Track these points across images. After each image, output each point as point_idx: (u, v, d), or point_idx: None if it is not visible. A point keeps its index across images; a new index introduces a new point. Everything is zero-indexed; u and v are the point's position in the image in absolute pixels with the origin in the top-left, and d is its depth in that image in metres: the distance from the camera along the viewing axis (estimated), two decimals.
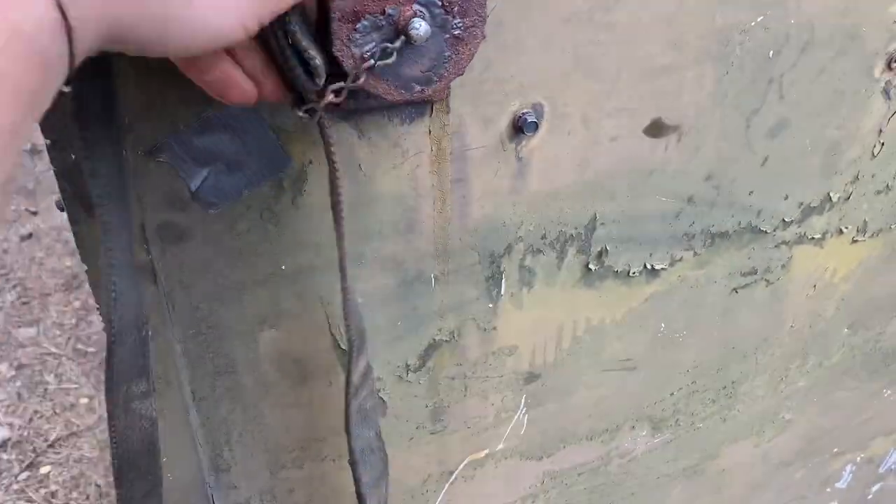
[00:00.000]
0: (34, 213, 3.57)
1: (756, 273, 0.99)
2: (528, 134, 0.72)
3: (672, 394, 1.07)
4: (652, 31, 0.72)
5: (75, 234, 0.61)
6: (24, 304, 3.16)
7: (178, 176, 0.62)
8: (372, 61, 0.54)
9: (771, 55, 0.79)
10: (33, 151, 3.77)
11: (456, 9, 0.54)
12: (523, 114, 0.71)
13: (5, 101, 0.35)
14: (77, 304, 3.17)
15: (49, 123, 0.56)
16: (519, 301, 0.85)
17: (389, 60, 0.53)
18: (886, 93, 0.89)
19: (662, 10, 0.71)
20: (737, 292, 1.00)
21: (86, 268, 0.63)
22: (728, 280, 0.98)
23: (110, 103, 0.56)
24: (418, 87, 0.57)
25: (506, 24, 0.66)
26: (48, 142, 0.56)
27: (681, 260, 0.92)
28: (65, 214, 0.62)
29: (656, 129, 0.79)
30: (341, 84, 0.53)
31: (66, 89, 0.53)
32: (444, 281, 0.79)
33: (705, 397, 1.11)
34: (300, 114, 0.56)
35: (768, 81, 0.81)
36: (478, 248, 0.79)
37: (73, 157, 0.58)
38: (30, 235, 3.48)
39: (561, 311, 0.89)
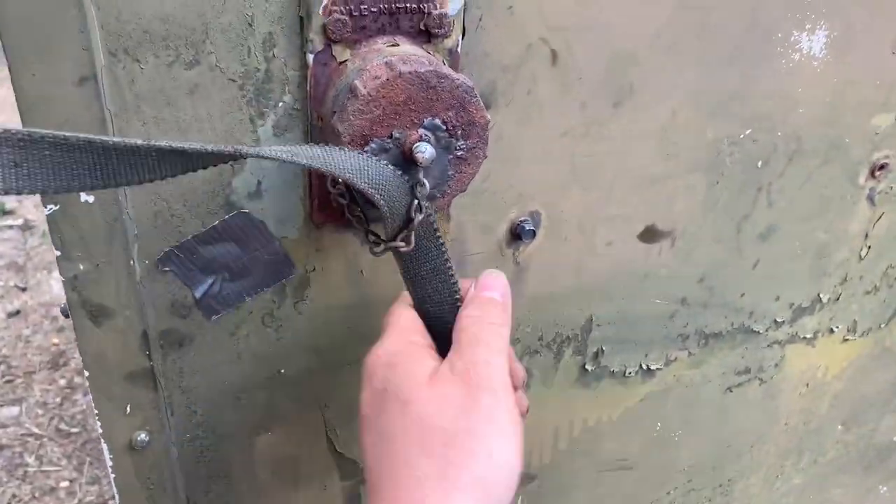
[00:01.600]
0: (23, 290, 3.55)
1: (749, 372, 1.00)
2: (526, 241, 0.73)
3: (668, 493, 1.06)
4: (645, 143, 0.74)
5: (79, 343, 0.62)
6: (7, 382, 3.11)
7: (182, 284, 0.63)
8: None
9: (760, 165, 0.82)
10: (25, 227, 3.78)
11: (460, 132, 0.56)
12: (521, 222, 0.73)
13: None
14: (62, 382, 3.12)
15: (58, 236, 0.57)
16: None
17: (422, 194, 0.55)
18: (871, 199, 0.92)
19: (656, 123, 0.74)
20: (731, 391, 1.00)
21: (87, 373, 0.64)
22: (722, 379, 0.98)
23: (120, 215, 0.58)
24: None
25: (505, 137, 0.68)
26: (58, 253, 0.57)
27: (675, 360, 0.93)
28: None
29: (650, 234, 0.81)
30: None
31: (90, 199, 0.54)
32: None
33: (701, 496, 1.10)
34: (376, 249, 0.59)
35: (757, 189, 0.84)
36: None
37: (81, 267, 0.59)
38: (17, 312, 3.45)
39: (557, 411, 0.89)
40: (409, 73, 0.53)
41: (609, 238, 0.79)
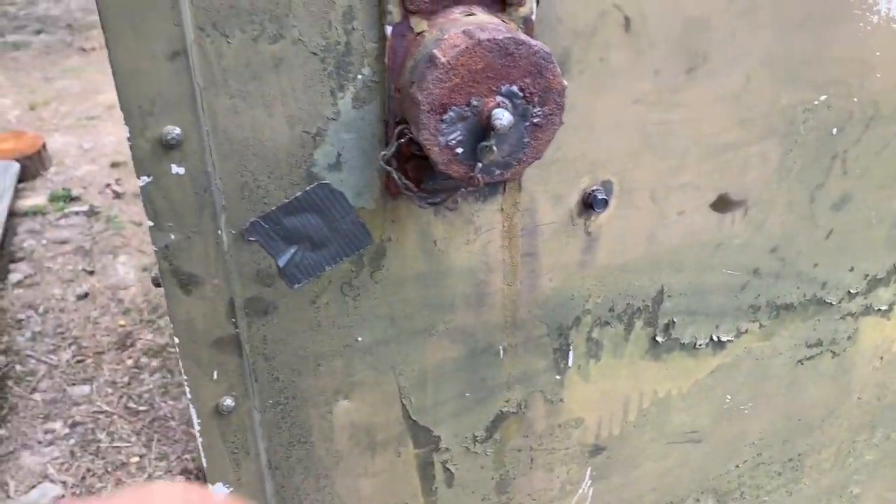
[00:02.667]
0: (90, 273, 3.68)
1: (822, 345, 0.98)
2: (598, 210, 0.74)
3: (737, 466, 1.05)
4: (718, 109, 0.74)
5: (170, 310, 0.64)
6: (78, 362, 3.23)
7: (266, 254, 0.65)
8: (459, 149, 0.57)
9: (835, 132, 0.80)
10: (90, 213, 3.90)
11: (536, 99, 0.57)
12: (593, 191, 0.73)
13: None
14: (130, 362, 3.23)
15: (151, 207, 0.59)
16: (586, 373, 0.85)
17: (490, 157, 0.56)
18: None
19: (729, 89, 0.73)
20: (802, 364, 0.99)
21: (177, 340, 0.66)
22: (793, 352, 0.97)
23: (209, 186, 0.60)
24: (498, 171, 0.60)
25: (578, 107, 0.68)
26: (151, 223, 0.60)
27: (746, 332, 0.92)
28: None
29: (723, 203, 0.80)
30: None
31: (180, 171, 0.57)
32: (513, 353, 0.81)
33: (771, 470, 1.09)
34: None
35: (832, 157, 0.82)
36: (546, 321, 0.80)
37: (172, 237, 0.61)
38: (86, 295, 3.57)
39: (627, 383, 0.89)
40: (488, 40, 0.54)
41: (681, 207, 0.78)
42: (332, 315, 0.71)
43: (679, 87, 0.71)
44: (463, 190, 0.60)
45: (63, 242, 3.84)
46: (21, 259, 3.65)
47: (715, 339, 0.90)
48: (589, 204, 0.73)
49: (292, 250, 0.66)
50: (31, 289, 3.53)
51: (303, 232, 0.66)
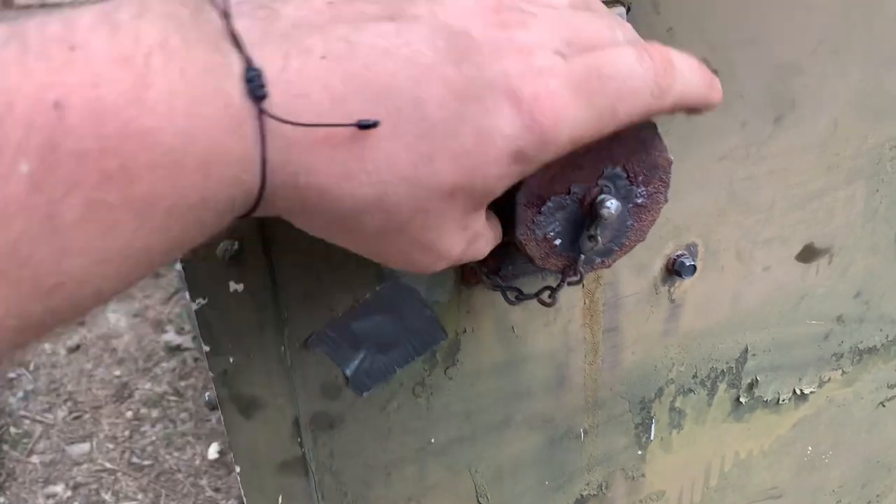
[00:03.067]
0: (81, 324, 3.56)
1: None
2: (686, 277, 0.67)
3: None
4: (805, 157, 0.67)
5: (230, 438, 0.57)
6: (75, 419, 3.12)
7: (333, 364, 0.58)
8: (558, 241, 0.50)
9: None
10: None
11: (641, 178, 0.50)
12: (678, 256, 0.66)
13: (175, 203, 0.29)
14: (129, 414, 3.12)
15: (208, 331, 0.52)
16: (668, 444, 0.79)
17: (595, 247, 0.49)
18: None
19: (815, 136, 0.67)
20: (884, 406, 0.93)
21: (238, 468, 0.59)
22: (875, 394, 0.91)
23: (272, 300, 0.53)
24: (599, 260, 0.53)
25: None
26: (207, 348, 0.52)
27: (829, 381, 0.85)
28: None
29: (808, 253, 0.74)
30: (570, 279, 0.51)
31: (239, 288, 0.49)
32: (594, 433, 0.74)
33: None
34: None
35: None
36: (628, 396, 0.73)
37: (231, 360, 0.54)
38: (77, 347, 3.46)
39: (709, 448, 0.82)
40: None
41: (766, 262, 0.72)
42: (404, 419, 0.63)
43: (766, 138, 0.64)
44: (563, 284, 0.53)
45: None
46: None
47: (798, 391, 0.84)
48: (676, 271, 0.67)
49: (360, 356, 0.59)
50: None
51: (372, 336, 0.58)
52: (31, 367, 3.29)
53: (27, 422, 3.25)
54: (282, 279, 0.53)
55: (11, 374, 3.31)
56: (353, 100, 0.32)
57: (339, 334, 0.57)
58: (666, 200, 0.52)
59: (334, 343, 0.57)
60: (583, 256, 0.51)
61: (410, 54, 0.33)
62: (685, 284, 0.69)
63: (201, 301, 0.50)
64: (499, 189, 0.39)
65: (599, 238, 0.49)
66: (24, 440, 3.08)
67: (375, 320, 0.58)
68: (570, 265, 0.51)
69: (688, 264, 0.66)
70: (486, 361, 0.64)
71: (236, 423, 0.56)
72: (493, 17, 0.36)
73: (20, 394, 3.24)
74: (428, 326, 0.60)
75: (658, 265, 0.67)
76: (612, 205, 0.48)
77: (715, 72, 0.55)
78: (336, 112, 0.32)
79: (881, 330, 0.85)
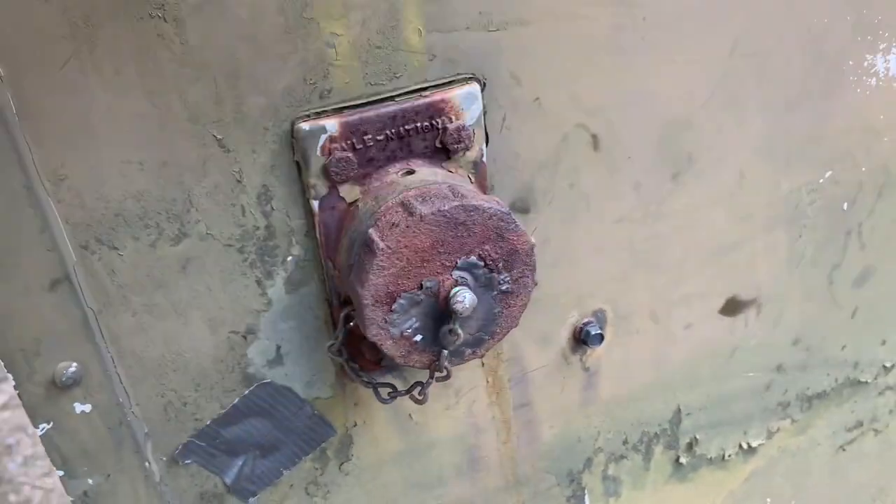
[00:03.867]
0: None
1: (862, 425, 0.88)
2: (593, 346, 0.63)
3: None
4: (713, 211, 0.64)
5: None
6: None
7: (209, 474, 0.55)
8: (418, 337, 0.47)
9: (846, 206, 0.71)
10: None
11: (501, 264, 0.47)
12: (584, 324, 0.63)
13: None
14: None
15: (57, 454, 0.49)
16: None
17: (457, 341, 0.46)
18: None
19: (722, 188, 0.63)
20: (844, 450, 0.88)
21: None
22: (832, 439, 0.87)
23: (124, 418, 0.50)
24: (469, 351, 0.50)
25: (553, 239, 0.59)
26: (61, 473, 0.49)
27: (778, 430, 0.81)
28: None
29: (733, 306, 0.70)
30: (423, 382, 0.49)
31: (86, 409, 0.46)
32: None
33: None
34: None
35: (846, 233, 0.72)
36: (553, 471, 0.69)
37: (90, 481, 0.51)
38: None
39: None
40: (432, 213, 0.44)
41: (687, 320, 0.68)
42: None
43: (665, 196, 0.61)
44: (430, 380, 0.50)
45: None
46: (3, 380, 3.52)
47: (745, 445, 0.80)
48: (583, 340, 0.63)
49: (240, 462, 0.55)
50: (17, 410, 3.41)
51: (249, 440, 0.55)
52: (29, 430, 3.28)
53: (27, 488, 3.22)
54: (135, 393, 0.50)
55: (9, 440, 3.29)
56: None
57: (211, 443, 0.54)
58: (535, 283, 0.49)
59: (207, 452, 0.54)
60: (445, 352, 0.47)
61: None
62: (598, 352, 0.66)
63: (45, 425, 0.48)
64: None
65: (460, 331, 0.46)
66: None
67: (250, 424, 0.55)
68: (436, 360, 0.48)
69: (593, 333, 0.62)
70: (385, 452, 0.61)
71: None
72: None
73: (19, 459, 3.22)
74: (312, 424, 0.57)
75: (564, 335, 0.63)
76: (464, 297, 0.45)
77: (595, 137, 0.53)
78: None
79: (828, 374, 0.81)
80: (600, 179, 0.58)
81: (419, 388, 0.51)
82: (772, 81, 0.61)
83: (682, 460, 0.76)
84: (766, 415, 0.79)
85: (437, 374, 0.49)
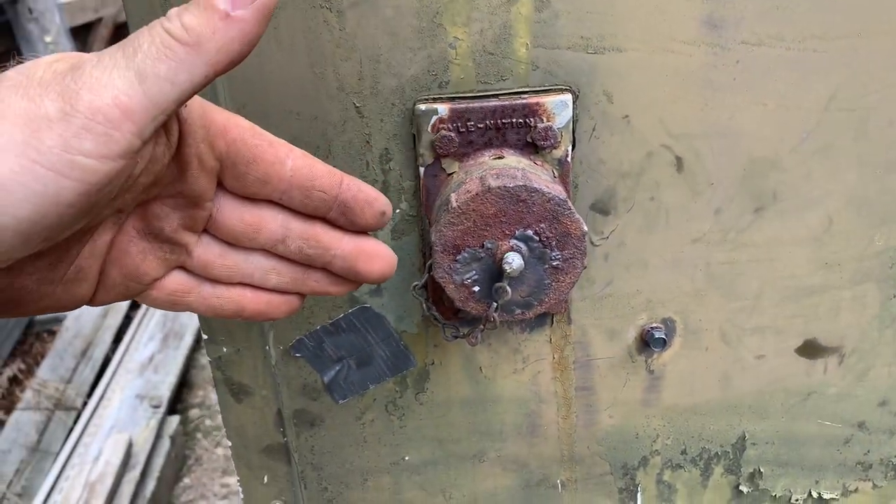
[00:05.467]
0: None
1: None
2: (656, 349, 0.70)
3: None
4: (796, 251, 0.68)
5: (223, 416, 0.70)
6: None
7: (312, 370, 0.69)
8: (476, 287, 0.58)
9: None
10: None
11: (554, 243, 0.57)
12: (651, 328, 0.70)
13: None
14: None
15: (206, 322, 0.65)
16: None
17: (505, 297, 0.57)
18: None
19: (806, 231, 0.68)
20: None
21: (230, 443, 0.72)
22: None
23: None
24: (518, 311, 0.60)
25: (628, 243, 0.67)
26: (206, 336, 0.66)
27: (856, 491, 0.81)
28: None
29: (811, 349, 0.73)
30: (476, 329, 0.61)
31: None
32: (572, 488, 0.78)
33: None
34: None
35: None
36: (608, 458, 0.77)
37: (224, 350, 0.67)
38: None
39: None
40: (498, 187, 0.55)
41: (760, 351, 0.73)
42: (378, 432, 0.73)
43: (746, 226, 0.67)
44: (481, 327, 0.60)
45: None
46: None
47: (815, 495, 0.81)
48: (646, 342, 0.70)
49: (337, 367, 0.69)
50: None
51: (347, 351, 0.69)
52: None
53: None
54: None
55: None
56: None
57: (318, 345, 0.68)
58: (584, 266, 0.58)
59: (313, 352, 0.68)
60: (494, 304, 0.58)
61: None
62: (664, 357, 0.72)
63: None
64: None
65: (508, 289, 0.57)
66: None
67: (349, 338, 0.68)
68: (487, 310, 0.59)
69: (657, 336, 0.69)
70: (455, 395, 0.72)
71: (228, 404, 0.69)
72: None
73: None
74: (398, 352, 0.69)
75: (632, 334, 0.71)
76: (513, 260, 0.56)
77: (679, 159, 0.61)
78: None
79: None
80: (681, 198, 0.65)
81: (472, 333, 0.62)
82: (871, 139, 0.64)
83: (743, 489, 0.80)
84: (843, 470, 0.80)
85: (487, 324, 0.60)
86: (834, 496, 0.81)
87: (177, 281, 0.49)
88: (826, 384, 0.75)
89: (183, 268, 0.49)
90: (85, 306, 0.46)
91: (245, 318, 0.51)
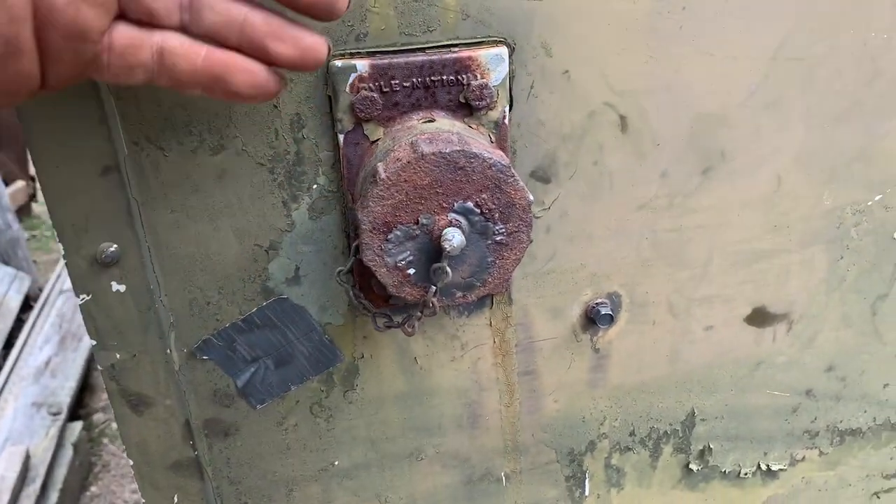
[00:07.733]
0: None
1: None
2: (602, 326, 0.65)
3: None
4: (746, 214, 0.64)
5: (121, 431, 0.61)
6: None
7: (224, 373, 0.60)
8: (411, 270, 0.51)
9: None
10: None
11: (497, 215, 0.50)
12: (596, 304, 0.65)
13: None
14: None
15: (93, 325, 0.56)
16: (607, 502, 0.75)
17: (445, 279, 0.50)
18: None
19: (755, 192, 0.63)
20: (878, 497, 0.84)
21: (132, 462, 0.62)
22: (866, 482, 0.83)
23: (153, 304, 0.56)
24: (459, 294, 0.53)
25: (571, 213, 0.61)
26: (94, 342, 0.56)
27: (804, 459, 0.79)
28: None
29: (760, 317, 0.69)
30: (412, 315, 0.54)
31: (121, 288, 0.53)
32: (517, 480, 0.72)
33: None
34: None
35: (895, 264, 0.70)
36: (554, 445, 0.71)
37: (118, 356, 0.57)
38: None
39: None
40: (433, 154, 0.48)
41: (708, 321, 0.68)
42: (303, 437, 0.65)
43: (693, 190, 0.62)
44: (419, 314, 0.53)
45: None
46: None
47: (764, 467, 0.78)
48: (591, 319, 0.65)
49: (252, 369, 0.61)
50: None
51: (262, 350, 0.61)
52: None
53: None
54: (165, 283, 0.56)
55: None
56: None
57: (228, 345, 0.60)
58: (530, 240, 0.52)
59: (223, 353, 0.60)
60: (434, 287, 0.51)
61: None
62: (610, 334, 0.67)
63: (85, 297, 0.55)
64: None
65: (448, 270, 0.50)
66: None
67: (264, 335, 0.60)
68: (425, 295, 0.52)
69: (603, 313, 0.64)
70: (388, 390, 0.65)
71: (126, 417, 0.60)
72: None
73: None
74: (321, 347, 0.61)
75: (576, 312, 0.65)
76: (453, 237, 0.49)
77: (623, 118, 0.55)
78: None
79: (865, 411, 0.78)
80: (626, 161, 0.60)
81: (409, 321, 0.55)
82: (819, 91, 0.61)
83: (693, 467, 0.76)
84: (791, 440, 0.78)
85: (425, 310, 0.53)
86: (782, 466, 0.79)
87: (125, 35, 0.41)
88: (775, 353, 0.72)
89: (124, 18, 0.41)
90: None
91: (211, 81, 0.43)
